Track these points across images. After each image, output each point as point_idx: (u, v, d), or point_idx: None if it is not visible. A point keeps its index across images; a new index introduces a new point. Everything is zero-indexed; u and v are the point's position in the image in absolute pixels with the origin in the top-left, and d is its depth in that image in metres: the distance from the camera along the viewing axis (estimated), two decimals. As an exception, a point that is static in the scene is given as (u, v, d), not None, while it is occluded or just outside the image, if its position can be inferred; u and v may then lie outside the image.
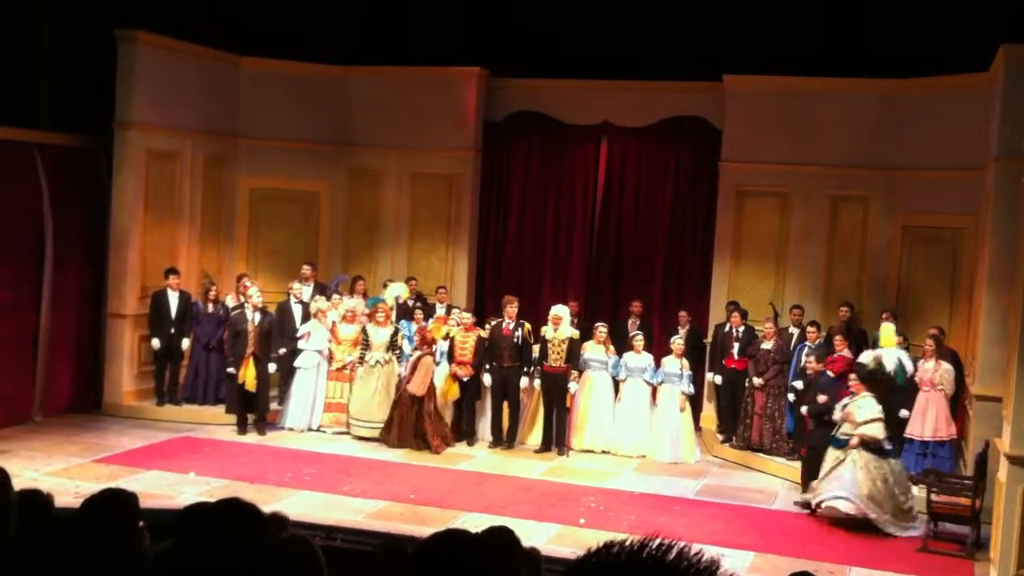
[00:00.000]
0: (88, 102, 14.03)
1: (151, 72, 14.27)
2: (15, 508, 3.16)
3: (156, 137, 14.50)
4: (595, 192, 16.19)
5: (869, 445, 10.69)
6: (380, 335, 13.61)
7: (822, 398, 11.49)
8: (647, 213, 15.92)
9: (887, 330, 12.16)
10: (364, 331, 13.69)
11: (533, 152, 16.41)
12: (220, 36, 15.24)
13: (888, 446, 10.93)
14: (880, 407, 10.87)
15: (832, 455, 10.90)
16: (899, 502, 10.70)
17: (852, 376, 11.24)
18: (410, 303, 14.75)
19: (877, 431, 10.74)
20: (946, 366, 11.75)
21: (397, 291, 14.78)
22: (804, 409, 12.03)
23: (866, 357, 11.65)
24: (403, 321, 14.22)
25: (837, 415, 11.04)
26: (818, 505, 10.89)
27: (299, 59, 15.82)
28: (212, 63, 15.38)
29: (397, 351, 13.66)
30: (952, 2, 13.23)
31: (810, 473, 11.51)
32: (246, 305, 13.59)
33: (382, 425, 13.34)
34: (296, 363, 13.84)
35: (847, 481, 10.61)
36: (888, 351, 11.75)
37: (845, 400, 11.03)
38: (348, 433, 13.58)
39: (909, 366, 11.79)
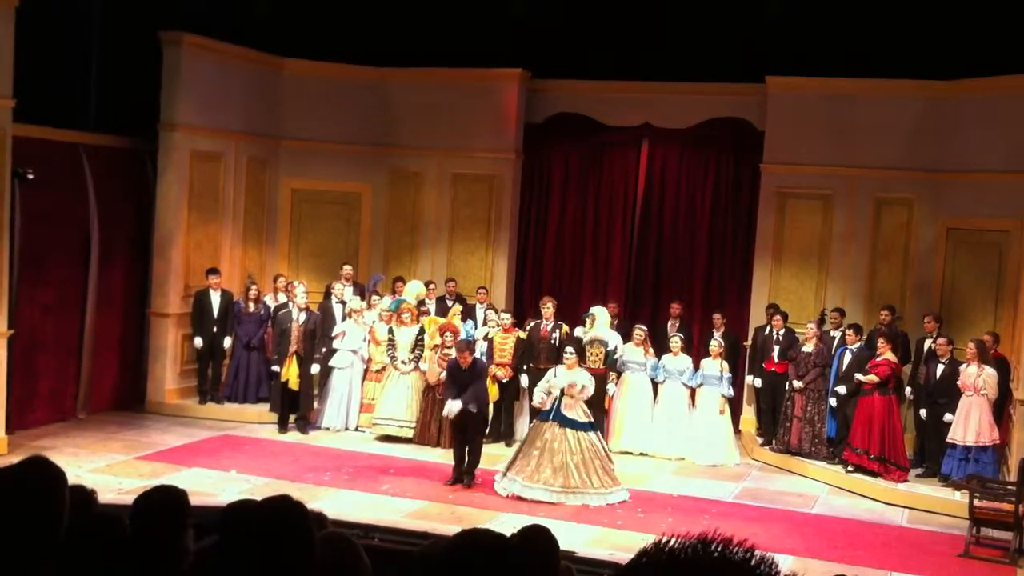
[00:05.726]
0: (134, 104, 14.20)
1: (196, 74, 14.43)
2: (67, 506, 3.21)
3: (200, 139, 14.66)
4: (635, 194, 16.15)
5: (570, 421, 11.16)
6: (405, 335, 13.65)
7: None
8: (688, 215, 15.87)
9: (602, 313, 13.61)
10: (390, 332, 13.70)
11: (573, 154, 16.41)
12: (263, 39, 15.38)
13: (592, 420, 11.49)
14: (592, 380, 11.54)
15: (538, 437, 11.28)
16: (594, 470, 11.14)
17: (569, 350, 11.71)
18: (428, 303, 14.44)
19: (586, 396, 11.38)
20: (989, 370, 11.61)
21: (414, 289, 14.48)
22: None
23: (586, 336, 13.23)
24: (469, 321, 14.24)
25: (555, 390, 11.31)
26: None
27: (341, 61, 15.93)
28: (255, 65, 15.51)
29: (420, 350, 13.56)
30: (998, 2, 13.08)
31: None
32: (291, 304, 13.70)
33: (409, 424, 13.38)
34: (331, 363, 13.92)
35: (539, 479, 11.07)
36: (604, 330, 13.35)
37: (568, 375, 11.34)
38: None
39: (616, 341, 13.50)
